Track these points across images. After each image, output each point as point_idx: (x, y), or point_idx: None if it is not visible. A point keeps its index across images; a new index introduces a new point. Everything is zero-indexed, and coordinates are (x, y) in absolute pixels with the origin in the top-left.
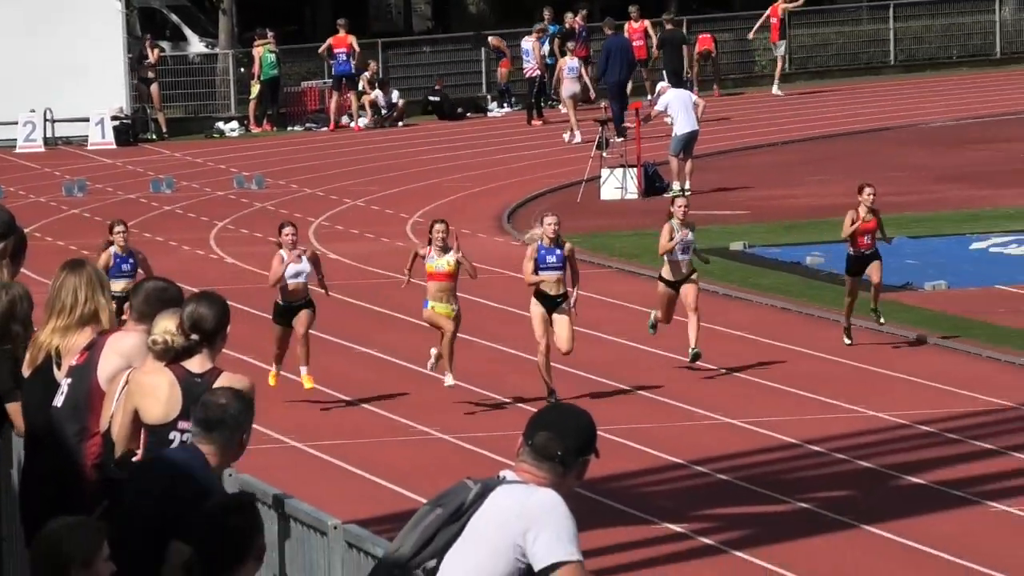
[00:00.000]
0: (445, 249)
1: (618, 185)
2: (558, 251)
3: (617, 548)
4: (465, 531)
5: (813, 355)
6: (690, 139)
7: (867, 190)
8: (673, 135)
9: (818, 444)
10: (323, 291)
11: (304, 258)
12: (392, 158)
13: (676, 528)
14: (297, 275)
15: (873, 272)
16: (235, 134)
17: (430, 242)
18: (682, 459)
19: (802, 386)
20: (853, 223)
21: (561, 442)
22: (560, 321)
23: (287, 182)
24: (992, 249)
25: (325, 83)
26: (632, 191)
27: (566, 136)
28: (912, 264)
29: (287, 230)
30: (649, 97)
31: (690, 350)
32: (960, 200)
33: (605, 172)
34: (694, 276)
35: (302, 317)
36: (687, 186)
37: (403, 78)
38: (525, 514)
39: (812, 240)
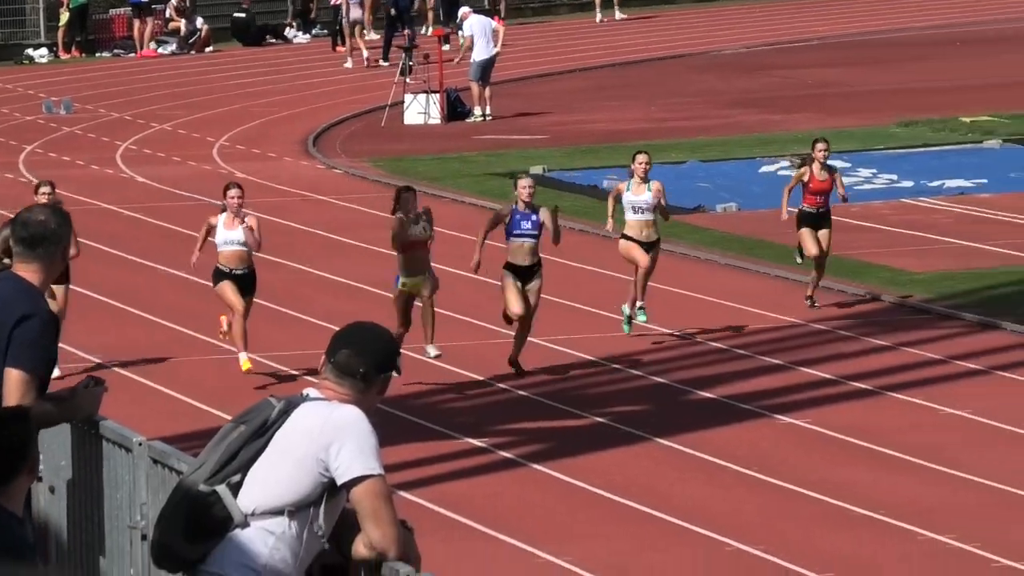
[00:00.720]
0: (418, 218)
1: (421, 110)
2: (534, 216)
3: (419, 463)
4: (269, 447)
5: (608, 274)
6: (488, 65)
7: (819, 146)
8: (472, 61)
9: (613, 361)
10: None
11: (242, 226)
12: (199, 83)
13: (477, 443)
14: (228, 242)
15: (821, 240)
16: (44, 60)
17: (395, 210)
18: (483, 376)
19: (599, 305)
20: (801, 181)
21: (362, 359)
22: (531, 293)
23: (95, 107)
24: (781, 172)
25: (127, 10)
26: (435, 116)
27: (348, 63)
28: (704, 187)
29: (233, 191)
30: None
31: (637, 309)
32: (751, 125)
33: (409, 98)
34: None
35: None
36: (488, 111)
37: (209, 5)
38: (328, 430)
39: (609, 164)
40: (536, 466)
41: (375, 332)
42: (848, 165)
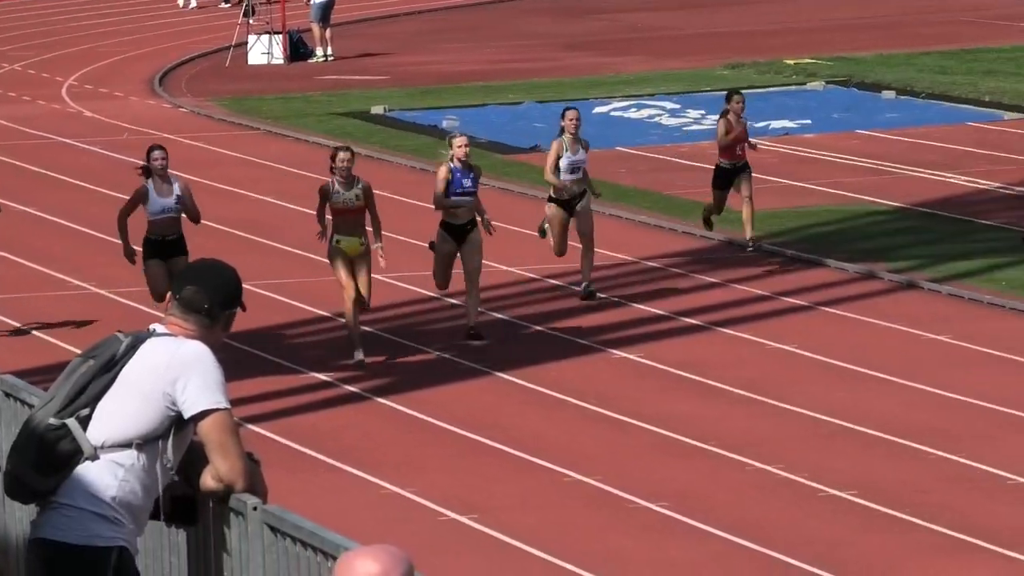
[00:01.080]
0: (350, 182)
1: (265, 51)
2: (472, 174)
3: (267, 396)
4: (117, 381)
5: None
6: (328, 6)
7: (736, 97)
8: (312, 2)
9: (454, 297)
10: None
11: (176, 187)
12: (48, 24)
13: (323, 377)
14: (164, 210)
15: (743, 185)
16: None
17: (333, 171)
18: (327, 312)
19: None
20: (728, 133)
21: (207, 295)
22: (472, 248)
23: None
24: (613, 113)
25: None
26: (278, 57)
27: (180, 1)
28: (540, 127)
29: (156, 152)
30: None
31: (583, 285)
32: (583, 67)
33: (252, 38)
34: (586, 199)
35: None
36: (329, 52)
37: None
38: (174, 364)
39: (447, 104)
40: (381, 399)
41: (220, 269)
42: (677, 106)
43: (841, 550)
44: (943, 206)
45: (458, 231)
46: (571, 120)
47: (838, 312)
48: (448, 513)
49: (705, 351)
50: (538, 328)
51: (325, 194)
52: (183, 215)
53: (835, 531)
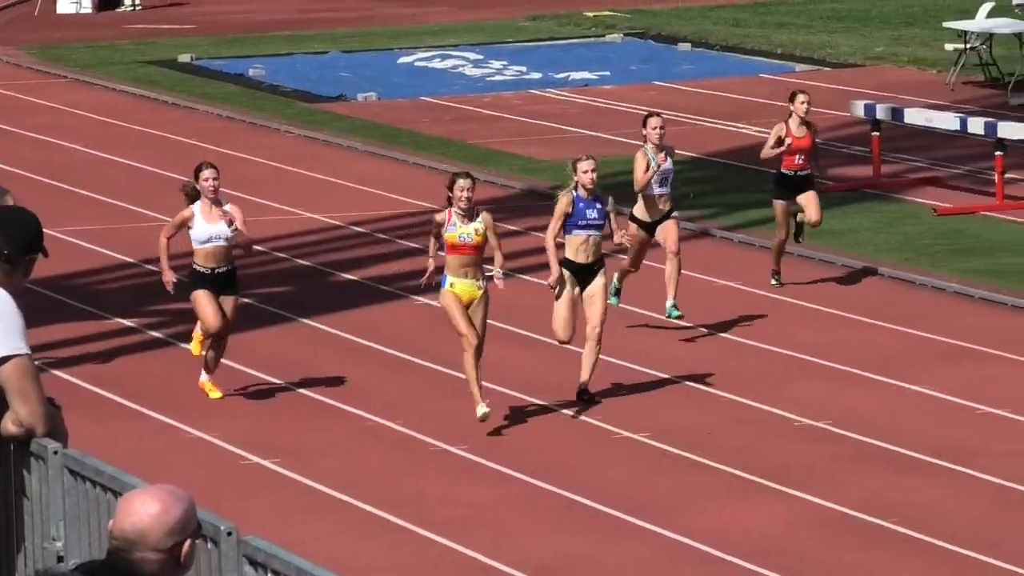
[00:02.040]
0: (470, 214)
1: (74, 0)
2: (599, 204)
3: (70, 342)
4: None
5: (257, 161)
6: None
7: (800, 97)
8: None
9: (260, 244)
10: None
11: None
12: None
13: (127, 323)
14: (210, 239)
15: (810, 206)
16: None
17: (450, 201)
18: (133, 259)
19: (247, 191)
20: (780, 141)
21: (6, 241)
22: (595, 293)
23: None
24: (418, 63)
25: None
26: (87, 6)
27: None
28: (345, 76)
29: (207, 172)
30: None
31: (668, 304)
32: (389, 17)
33: None
34: (674, 213)
35: (228, 304)
36: (137, 1)
37: None
38: None
39: (254, 53)
40: (184, 345)
41: (20, 216)
42: (480, 57)
43: (639, 491)
44: (737, 156)
45: (584, 272)
46: (654, 129)
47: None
48: (251, 457)
49: (512, 297)
50: (343, 275)
51: (439, 227)
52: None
53: (632, 472)
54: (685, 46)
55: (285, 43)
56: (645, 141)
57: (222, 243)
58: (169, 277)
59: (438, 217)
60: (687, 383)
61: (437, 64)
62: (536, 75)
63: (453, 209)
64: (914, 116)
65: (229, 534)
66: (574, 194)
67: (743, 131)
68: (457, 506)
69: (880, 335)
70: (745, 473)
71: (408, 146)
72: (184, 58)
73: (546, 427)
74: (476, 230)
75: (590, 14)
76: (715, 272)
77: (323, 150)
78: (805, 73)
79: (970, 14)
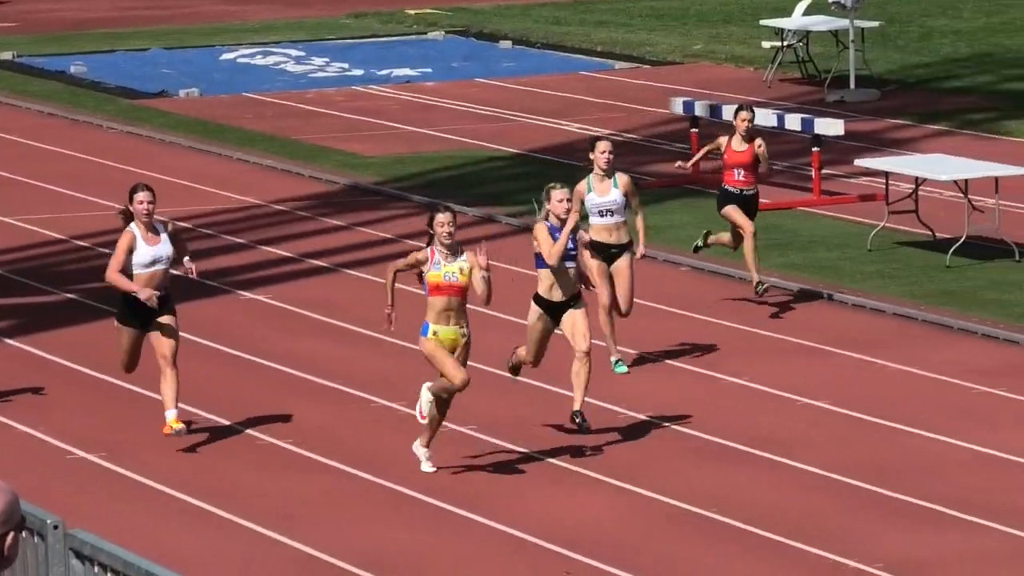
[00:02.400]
0: (454, 251)
1: None
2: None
3: None
4: None
5: (79, 157)
6: None
7: (742, 114)
8: None
9: (81, 239)
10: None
11: (164, 235)
12: None
13: None
14: (155, 262)
15: (746, 217)
16: None
17: (431, 240)
18: None
19: (70, 187)
20: (712, 150)
21: None
22: (577, 314)
23: None
24: (240, 60)
25: None
26: None
27: None
28: (167, 73)
29: (141, 195)
30: None
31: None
32: (210, 14)
33: None
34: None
35: (165, 333)
36: None
37: None
38: None
39: (75, 50)
40: (9, 341)
41: None
42: (302, 54)
43: (463, 484)
44: (558, 152)
45: (557, 308)
46: (603, 153)
47: None
48: (77, 452)
49: (331, 292)
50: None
51: (416, 265)
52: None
53: (453, 463)
54: (506, 44)
55: (106, 40)
56: (592, 167)
57: (163, 266)
58: (147, 294)
59: (419, 255)
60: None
61: (259, 61)
62: (358, 72)
63: (435, 247)
64: (732, 113)
65: (55, 527)
66: (548, 224)
67: (564, 127)
68: (278, 496)
69: (699, 328)
70: (571, 465)
71: (231, 142)
72: (5, 56)
73: (371, 419)
74: (461, 269)
75: (412, 12)
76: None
77: (146, 146)
78: (624, 71)
79: (787, 12)
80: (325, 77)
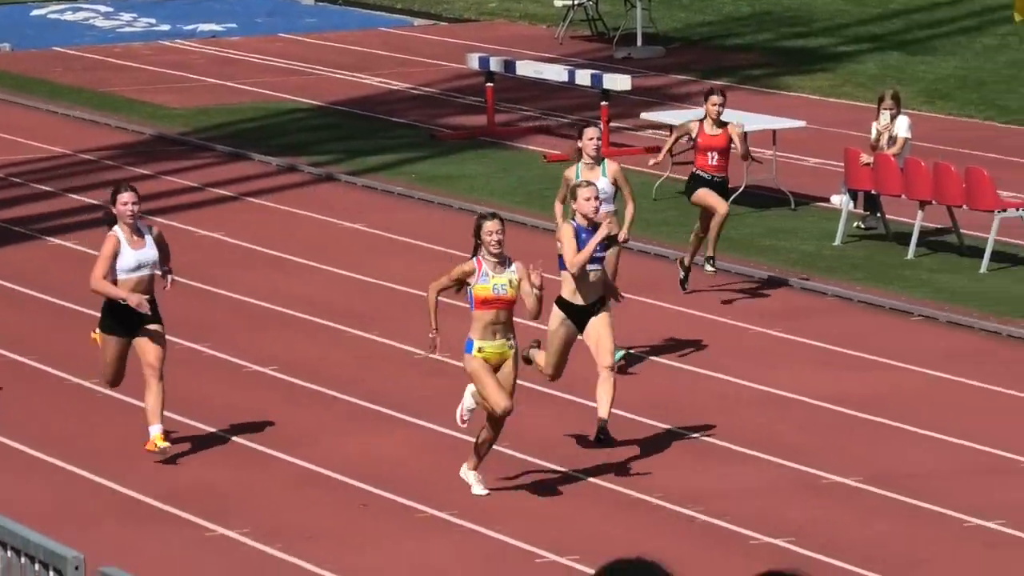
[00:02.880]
0: (503, 260)
1: None
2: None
3: None
4: None
5: None
6: None
7: (713, 99)
8: None
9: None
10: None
11: (149, 238)
12: None
13: None
14: (140, 267)
15: (715, 201)
16: None
17: (476, 250)
18: None
19: None
20: (686, 134)
21: None
22: (600, 325)
23: None
24: (50, 15)
25: None
26: None
27: None
28: None
29: (125, 196)
30: None
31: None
32: None
33: None
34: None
35: (153, 340)
36: None
37: None
38: None
39: None
40: None
41: None
42: (111, 10)
43: (273, 428)
44: (358, 104)
45: (580, 313)
46: (591, 139)
47: (263, 202)
48: None
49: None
50: None
51: (462, 279)
52: None
53: (263, 404)
54: (309, 1)
55: None
56: (580, 154)
57: (148, 272)
58: (137, 299)
59: (465, 268)
60: (315, 319)
61: (69, 17)
62: (165, 27)
63: (482, 257)
64: (525, 68)
65: (76, 568)
66: (575, 224)
67: (364, 81)
68: (93, 438)
69: None
70: (368, 403)
71: (41, 94)
72: None
73: (183, 361)
74: (511, 281)
75: None
76: (340, 214)
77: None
78: (422, 27)
79: None
80: (133, 32)
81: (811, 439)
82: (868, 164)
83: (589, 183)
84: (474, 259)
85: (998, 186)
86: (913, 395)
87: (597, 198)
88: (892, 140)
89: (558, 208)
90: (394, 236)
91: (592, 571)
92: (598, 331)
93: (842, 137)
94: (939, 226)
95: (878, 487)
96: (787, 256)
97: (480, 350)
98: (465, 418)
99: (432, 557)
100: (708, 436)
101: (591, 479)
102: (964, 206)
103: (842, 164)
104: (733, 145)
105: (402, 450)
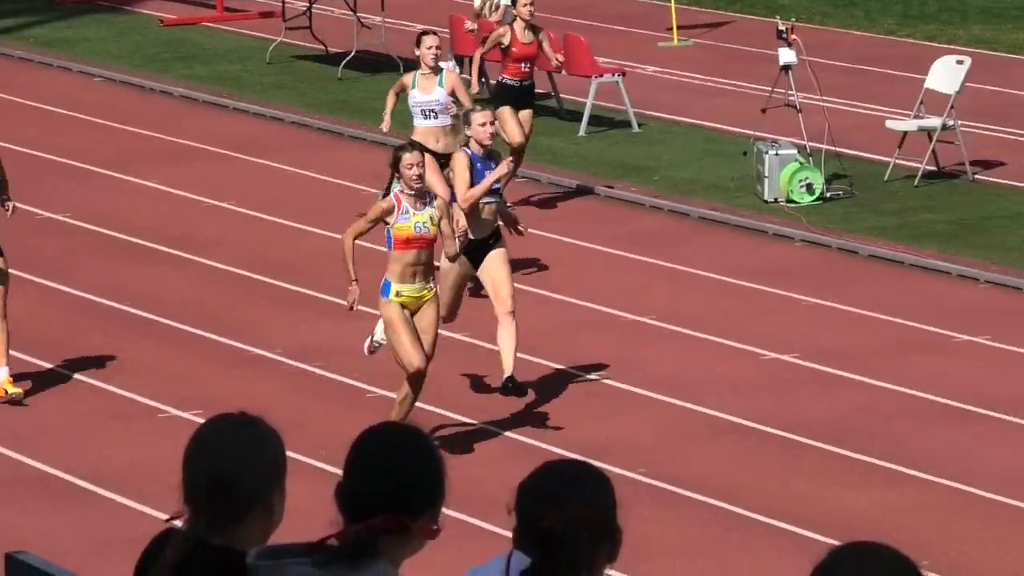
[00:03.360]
0: (423, 197)
1: None
2: (495, 165)
3: None
4: None
5: None
6: None
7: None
8: None
9: None
10: None
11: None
12: None
13: None
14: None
15: (516, 128)
16: None
17: (393, 180)
18: None
19: None
20: (499, 43)
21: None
22: (497, 263)
23: None
24: None
25: None
26: None
27: None
28: None
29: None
30: None
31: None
32: None
33: None
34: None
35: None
36: None
37: None
38: None
39: None
40: None
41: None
42: None
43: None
44: None
45: (474, 249)
46: (430, 48)
47: None
48: None
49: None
50: None
51: (381, 218)
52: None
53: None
54: None
55: None
56: (418, 64)
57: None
58: None
59: (384, 206)
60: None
61: None
62: None
63: (400, 192)
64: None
65: None
66: (469, 152)
67: None
68: None
69: (119, 137)
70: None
71: None
72: None
73: None
74: (431, 217)
75: None
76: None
77: None
78: None
79: None
80: None
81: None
82: (472, 31)
83: (484, 108)
84: (392, 195)
85: (595, 52)
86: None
87: (493, 123)
88: (495, 7)
89: (390, 101)
90: (17, 99)
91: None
92: (495, 270)
93: (449, 4)
94: (540, 91)
95: (480, 339)
96: (397, 119)
97: (398, 294)
98: (373, 349)
99: None
100: (314, 291)
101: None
102: (563, 71)
103: (448, 30)
104: (543, 50)
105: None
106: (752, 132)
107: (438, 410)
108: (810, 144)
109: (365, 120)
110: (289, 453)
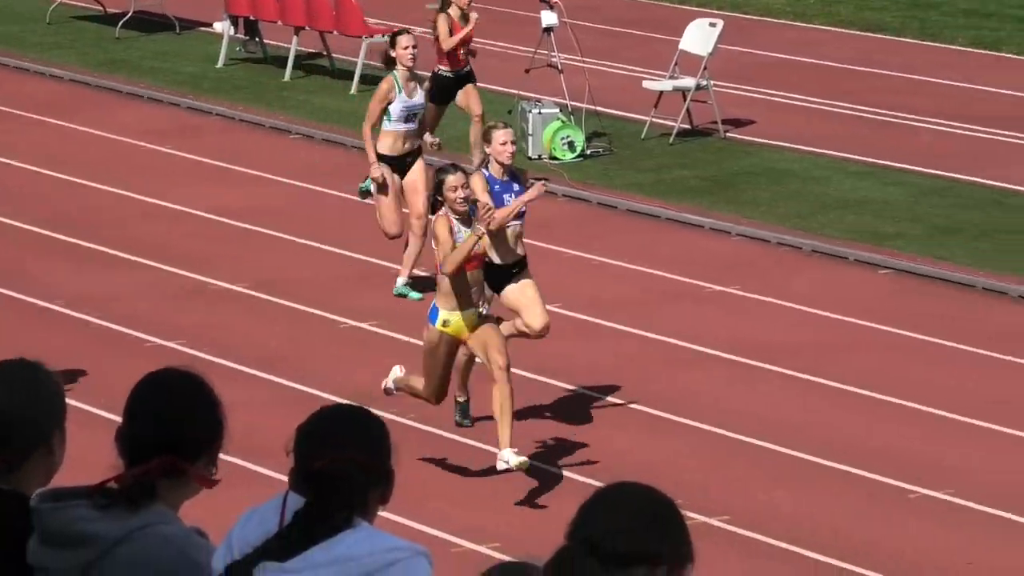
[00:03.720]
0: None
1: None
2: (517, 186)
3: None
4: None
5: None
6: None
7: None
8: None
9: None
10: None
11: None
12: None
13: None
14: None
15: (471, 100)
16: None
17: (437, 204)
18: None
19: None
20: (453, 33)
21: None
22: (524, 289)
23: None
24: None
25: None
26: None
27: None
28: None
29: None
30: None
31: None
32: None
33: None
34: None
35: None
36: None
37: None
38: None
39: None
40: None
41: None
42: None
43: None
44: None
45: (499, 275)
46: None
47: None
48: None
49: None
50: None
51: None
52: None
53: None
54: None
55: None
56: (395, 65)
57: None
58: None
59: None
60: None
61: None
62: None
63: (446, 214)
64: None
65: None
66: (486, 174)
67: None
68: None
69: None
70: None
71: None
72: None
73: None
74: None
75: None
76: None
77: None
78: None
79: None
80: None
81: (202, 248)
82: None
83: (506, 124)
84: (443, 216)
85: (366, 13)
86: (284, 207)
87: (513, 142)
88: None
89: (366, 131)
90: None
91: None
92: (522, 300)
93: None
94: (312, 50)
95: (264, 293)
96: (174, 77)
97: (444, 323)
98: (389, 391)
99: None
100: (94, 244)
101: None
102: (335, 32)
103: None
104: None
105: None
106: (517, 91)
107: (225, 362)
108: (571, 103)
109: (143, 78)
110: (69, 401)
